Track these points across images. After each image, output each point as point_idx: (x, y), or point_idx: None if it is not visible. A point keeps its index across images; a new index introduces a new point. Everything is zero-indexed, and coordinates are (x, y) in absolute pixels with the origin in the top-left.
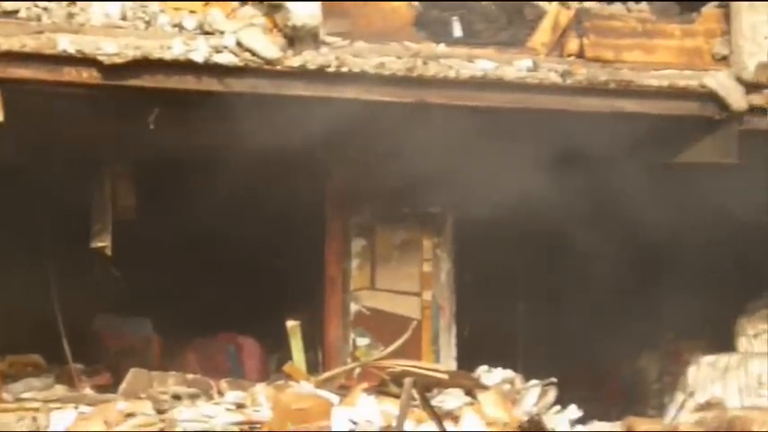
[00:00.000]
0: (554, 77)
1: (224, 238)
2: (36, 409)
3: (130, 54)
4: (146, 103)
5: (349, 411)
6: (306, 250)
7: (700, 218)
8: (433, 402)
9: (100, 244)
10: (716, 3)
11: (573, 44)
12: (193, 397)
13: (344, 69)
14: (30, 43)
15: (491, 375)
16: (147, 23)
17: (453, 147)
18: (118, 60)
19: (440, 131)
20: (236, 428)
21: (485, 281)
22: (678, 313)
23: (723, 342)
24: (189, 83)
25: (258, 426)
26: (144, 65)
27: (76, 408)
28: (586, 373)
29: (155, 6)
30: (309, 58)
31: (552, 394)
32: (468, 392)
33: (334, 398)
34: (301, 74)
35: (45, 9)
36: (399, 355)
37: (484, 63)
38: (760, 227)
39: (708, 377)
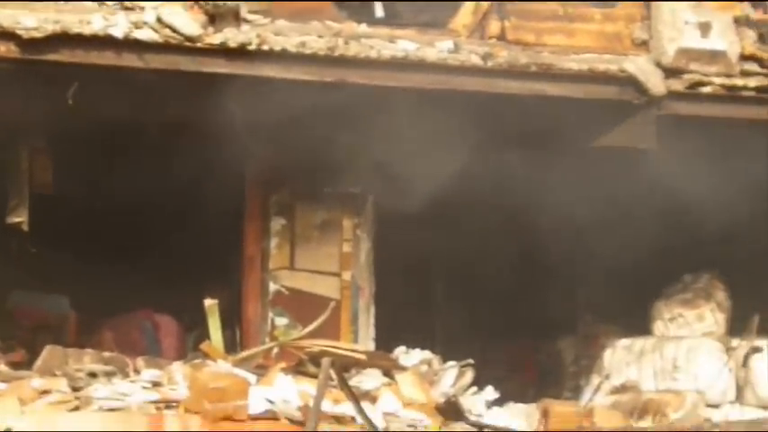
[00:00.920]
0: (475, 59)
1: (142, 215)
2: None
3: (50, 28)
4: (65, 78)
5: (266, 391)
6: (225, 229)
7: (618, 202)
8: (351, 383)
9: (16, 219)
10: None
11: (494, 26)
12: (109, 375)
13: (265, 47)
14: None
15: (409, 356)
16: None
17: (374, 127)
18: (37, 35)
19: (360, 112)
20: (152, 407)
21: (403, 262)
22: (595, 297)
23: (639, 326)
24: (108, 58)
25: (174, 404)
26: (63, 39)
27: None
28: (503, 355)
29: None
30: (230, 35)
31: (469, 376)
32: (386, 373)
33: (252, 377)
34: (222, 51)
35: None
36: (318, 335)
37: (405, 44)
38: (677, 211)
39: (623, 360)
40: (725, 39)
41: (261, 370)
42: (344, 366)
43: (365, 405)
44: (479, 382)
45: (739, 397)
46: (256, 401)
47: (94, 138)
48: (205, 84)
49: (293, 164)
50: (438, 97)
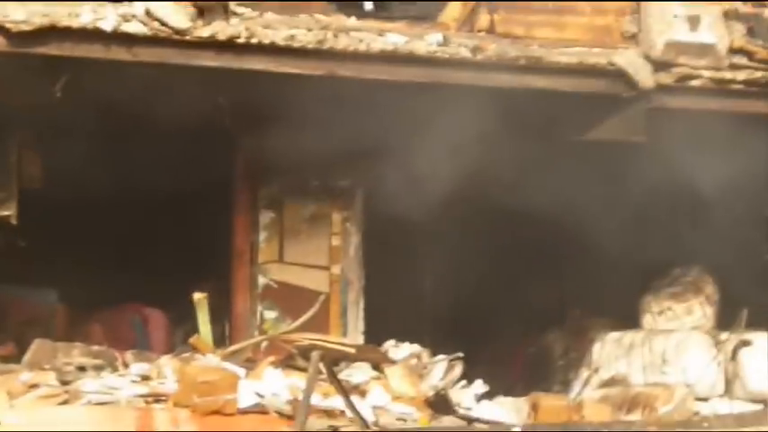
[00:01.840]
0: (464, 52)
1: (131, 208)
2: None
3: (38, 21)
4: (53, 72)
5: (255, 385)
6: (214, 222)
7: (607, 195)
8: (341, 376)
9: (5, 213)
10: None
11: (484, 20)
12: (98, 368)
13: (254, 41)
14: None
15: (398, 350)
16: None
17: (363, 120)
18: (25, 28)
19: (350, 105)
20: (141, 401)
21: (393, 255)
22: (584, 290)
23: (628, 319)
24: (97, 52)
25: (163, 398)
26: (52, 33)
27: None
28: (493, 348)
29: None
30: (219, 28)
31: (458, 369)
32: (376, 367)
33: (241, 371)
34: (211, 44)
35: None
36: (307, 329)
37: (394, 37)
38: (666, 204)
39: (612, 354)
40: (714, 32)
41: (250, 364)
42: (334, 360)
43: (355, 399)
44: (468, 376)
45: (728, 390)
46: (246, 395)
47: (83, 131)
48: (194, 77)
49: (282, 157)
50: (427, 90)
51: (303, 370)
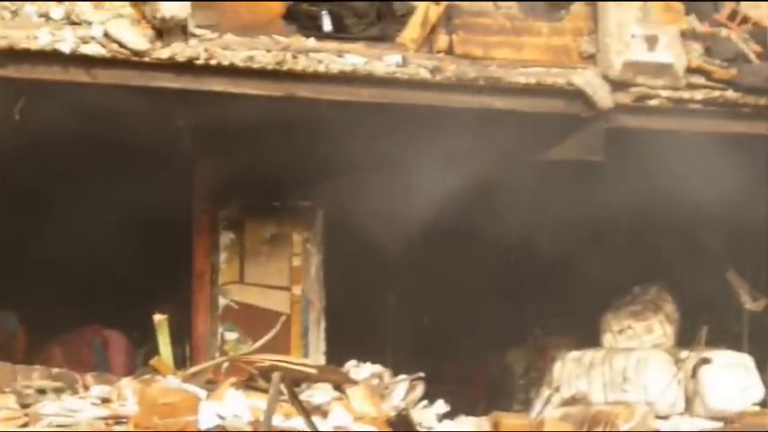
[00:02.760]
0: (423, 73)
1: (91, 230)
2: None
3: None
4: (12, 94)
5: (217, 406)
6: (174, 244)
7: (567, 215)
8: (302, 397)
9: None
10: (583, 1)
11: (442, 40)
12: (58, 391)
13: (213, 62)
14: None
15: (360, 370)
16: (14, 13)
17: (323, 141)
18: None
19: (309, 125)
20: (101, 423)
21: (354, 275)
22: (544, 310)
23: (589, 338)
24: (56, 73)
25: (124, 420)
26: (10, 55)
27: None
28: (454, 368)
29: None
30: (178, 50)
31: (420, 389)
32: (337, 387)
33: (202, 392)
34: (170, 66)
35: None
36: (268, 350)
37: (353, 58)
38: (625, 223)
39: (573, 372)
40: (671, 52)
41: (211, 385)
42: (295, 381)
43: (316, 419)
44: (430, 396)
45: (688, 408)
46: (207, 417)
47: (42, 153)
48: (153, 98)
49: (242, 178)
50: (386, 111)
51: (264, 391)
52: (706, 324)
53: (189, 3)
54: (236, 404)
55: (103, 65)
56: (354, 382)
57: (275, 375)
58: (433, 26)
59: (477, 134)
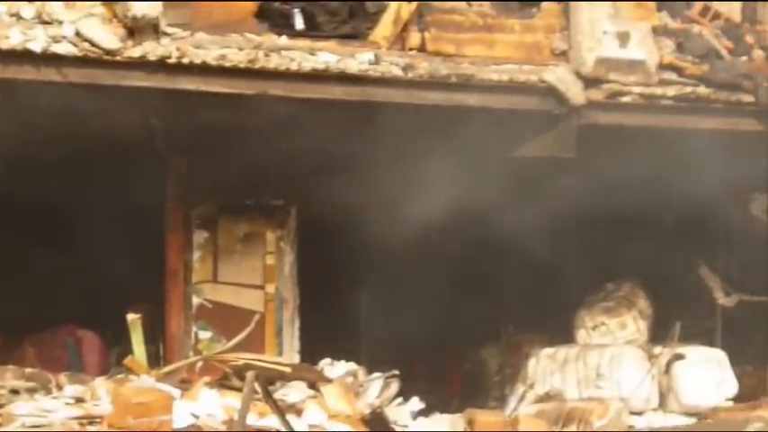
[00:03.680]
0: (396, 71)
1: (64, 229)
2: None
3: None
4: None
5: (191, 405)
6: (147, 243)
7: (540, 211)
8: (276, 396)
9: None
10: None
11: (414, 38)
12: (32, 391)
13: (185, 60)
14: None
15: (334, 368)
16: None
17: (296, 139)
18: None
19: (282, 124)
20: (75, 423)
21: (328, 274)
22: (518, 306)
23: (563, 335)
24: (27, 73)
25: (98, 420)
26: None
27: None
28: (428, 365)
29: None
30: (150, 48)
31: (394, 387)
32: (312, 385)
33: (176, 392)
34: (141, 65)
35: None
36: (242, 349)
37: (326, 56)
38: (598, 220)
39: (547, 369)
40: (643, 48)
41: (185, 384)
42: (269, 379)
43: (290, 418)
44: (404, 393)
45: (662, 404)
46: (181, 416)
47: (14, 153)
48: (125, 97)
49: (215, 177)
50: (359, 109)
51: (238, 390)
52: (679, 320)
53: (160, 2)
54: (211, 403)
55: (75, 64)
56: (329, 381)
57: (249, 374)
58: (405, 24)
59: (449, 131)
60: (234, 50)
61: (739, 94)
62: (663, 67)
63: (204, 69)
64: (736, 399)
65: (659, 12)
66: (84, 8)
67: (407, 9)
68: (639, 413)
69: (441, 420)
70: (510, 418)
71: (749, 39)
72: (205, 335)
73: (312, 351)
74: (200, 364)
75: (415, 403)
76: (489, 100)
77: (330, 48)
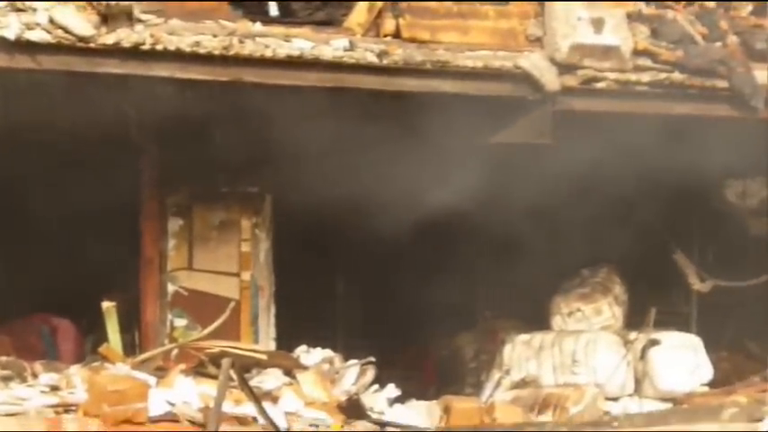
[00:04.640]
0: (371, 57)
1: (39, 217)
2: None
3: None
4: None
5: (166, 393)
6: (122, 230)
7: (516, 197)
8: (252, 383)
9: None
10: None
11: (389, 24)
12: (6, 379)
13: (159, 47)
14: None
15: (310, 355)
16: None
17: (271, 126)
18: None
19: (257, 110)
20: (50, 411)
21: (303, 261)
22: (494, 293)
23: (538, 321)
24: (1, 60)
25: (73, 408)
26: None
27: None
28: (404, 352)
29: None
30: (124, 35)
31: (371, 374)
32: (288, 373)
33: (152, 379)
34: (115, 51)
35: None
36: (218, 336)
37: (300, 42)
38: (574, 206)
39: (523, 355)
40: (618, 34)
41: (160, 372)
42: (245, 367)
43: (267, 405)
44: (381, 380)
45: (638, 389)
46: (156, 404)
47: None
48: (100, 84)
49: (190, 164)
50: (334, 95)
51: (214, 377)
52: (654, 306)
53: None
54: (186, 391)
55: (49, 51)
56: (305, 368)
57: (225, 361)
58: (379, 10)
59: (424, 118)
60: (208, 37)
61: (714, 80)
62: (637, 53)
63: (178, 56)
64: (712, 384)
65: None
66: None
67: None
68: (615, 399)
69: (417, 407)
70: (486, 405)
71: (723, 24)
72: (180, 322)
73: (288, 338)
74: (175, 351)
75: (392, 390)
76: (464, 86)
77: (305, 34)
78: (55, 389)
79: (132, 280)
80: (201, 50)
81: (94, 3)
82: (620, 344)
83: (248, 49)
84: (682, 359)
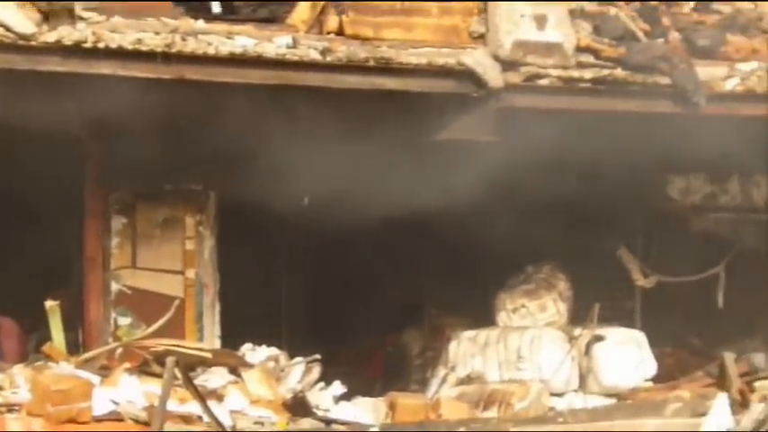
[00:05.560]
0: (314, 54)
1: None
2: None
3: None
4: None
5: (110, 392)
6: (66, 229)
7: (460, 194)
8: (197, 381)
9: None
10: None
11: (333, 22)
12: None
13: (101, 45)
14: None
15: (255, 353)
16: None
17: (214, 123)
18: None
19: (200, 108)
20: None
21: (248, 258)
22: (439, 290)
23: (484, 317)
24: None
25: (17, 408)
26: None
27: None
28: (350, 349)
29: None
30: (65, 33)
31: (316, 371)
32: (233, 371)
33: (96, 378)
34: (57, 49)
35: None
36: (162, 335)
37: (243, 40)
38: (518, 203)
39: (468, 352)
40: (560, 31)
41: (105, 371)
42: (190, 365)
43: (212, 404)
44: (326, 378)
45: (582, 385)
46: (100, 403)
47: None
48: (41, 82)
49: (133, 162)
50: (278, 93)
51: (159, 376)
52: (599, 302)
53: None
54: (131, 390)
55: None
56: (250, 366)
57: (169, 360)
58: (322, 7)
59: (368, 115)
60: (150, 35)
61: (656, 77)
62: (580, 49)
63: (120, 54)
64: (656, 379)
65: None
66: None
67: None
68: (560, 394)
69: (363, 404)
70: (431, 401)
71: (665, 21)
72: (124, 321)
73: (233, 336)
74: (119, 350)
75: (337, 387)
76: (407, 83)
77: (247, 32)
78: None
79: (76, 278)
80: (144, 48)
81: (36, 1)
82: (565, 340)
83: (191, 46)
84: (626, 355)
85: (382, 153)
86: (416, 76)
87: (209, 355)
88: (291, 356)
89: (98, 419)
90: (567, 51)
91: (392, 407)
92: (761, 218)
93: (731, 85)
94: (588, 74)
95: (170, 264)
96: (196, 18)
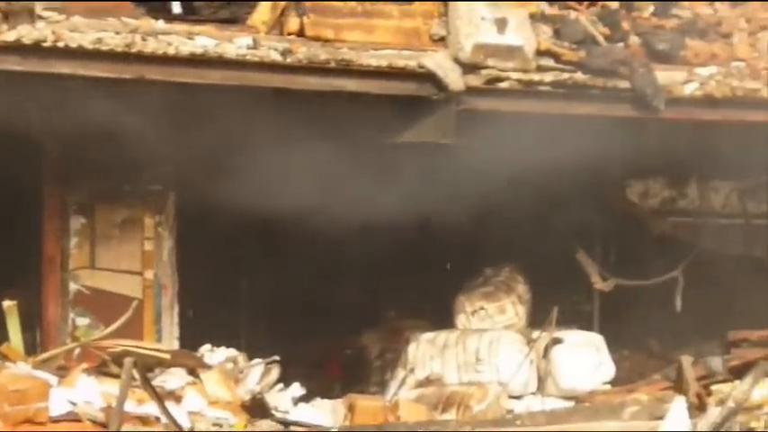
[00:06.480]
0: (274, 55)
1: None
2: None
3: None
4: None
5: (68, 392)
6: (24, 229)
7: (420, 197)
8: (155, 382)
9: None
10: None
11: (293, 23)
12: None
13: (61, 44)
14: None
15: (214, 354)
16: None
17: (174, 124)
18: None
19: (160, 108)
20: None
21: (207, 259)
22: (398, 292)
23: (443, 320)
24: None
25: None
26: None
27: None
28: (309, 351)
29: None
30: (25, 32)
31: (275, 372)
32: (191, 372)
33: (53, 379)
34: (16, 49)
35: None
36: (121, 335)
37: (204, 40)
38: (478, 205)
39: (427, 354)
40: (521, 34)
41: (62, 371)
42: (148, 366)
43: (170, 405)
44: (285, 379)
45: (541, 388)
46: (58, 403)
47: None
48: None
49: (92, 162)
50: (238, 93)
51: (116, 377)
52: (557, 305)
53: None
54: (88, 390)
55: None
56: (208, 367)
57: (127, 361)
58: (283, 9)
59: (329, 117)
60: (110, 34)
61: (616, 80)
62: (540, 53)
63: (80, 53)
64: (614, 382)
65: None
66: None
67: None
68: (518, 397)
69: (321, 406)
70: (390, 403)
71: (625, 25)
72: (83, 321)
73: (192, 337)
74: (77, 350)
75: (296, 389)
76: (368, 85)
77: (208, 32)
78: None
79: (34, 279)
80: (104, 48)
81: None
82: (524, 342)
83: (151, 46)
84: (584, 358)
85: (342, 155)
86: (377, 78)
87: (167, 356)
88: (250, 358)
89: (55, 420)
90: (527, 55)
91: (351, 409)
92: (719, 222)
93: (690, 89)
94: (548, 77)
95: (129, 264)
96: (157, 18)
